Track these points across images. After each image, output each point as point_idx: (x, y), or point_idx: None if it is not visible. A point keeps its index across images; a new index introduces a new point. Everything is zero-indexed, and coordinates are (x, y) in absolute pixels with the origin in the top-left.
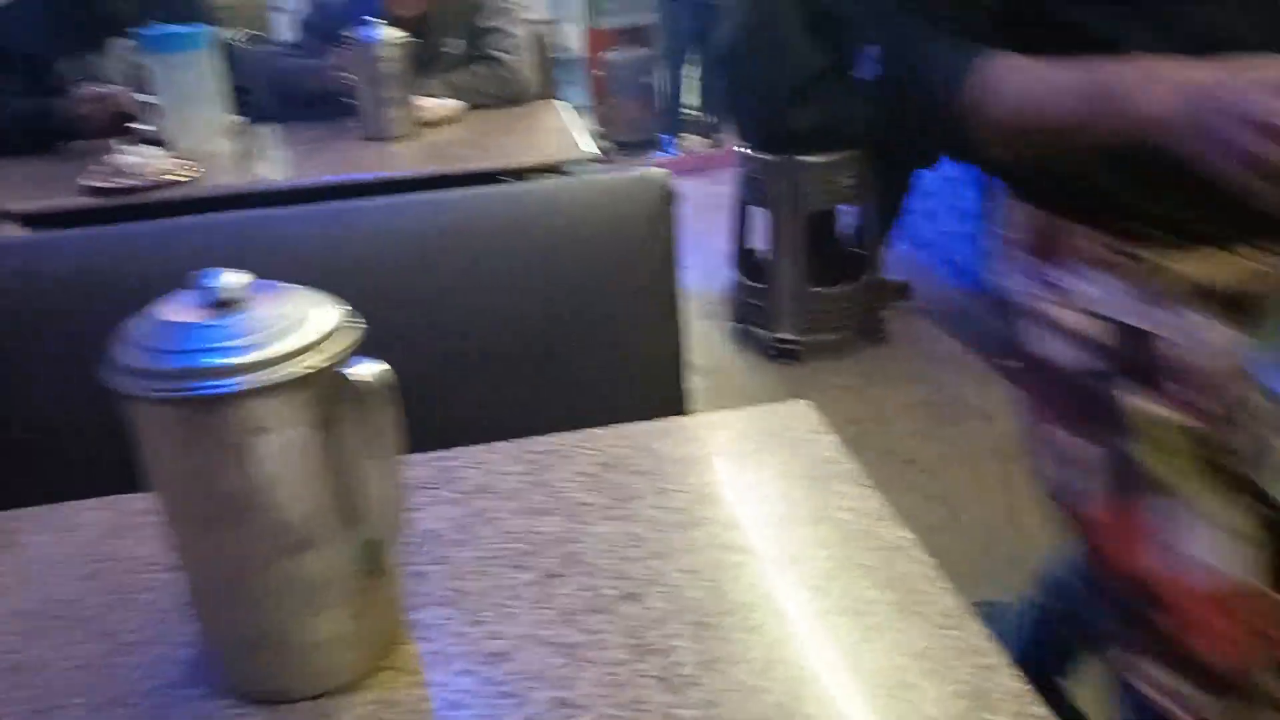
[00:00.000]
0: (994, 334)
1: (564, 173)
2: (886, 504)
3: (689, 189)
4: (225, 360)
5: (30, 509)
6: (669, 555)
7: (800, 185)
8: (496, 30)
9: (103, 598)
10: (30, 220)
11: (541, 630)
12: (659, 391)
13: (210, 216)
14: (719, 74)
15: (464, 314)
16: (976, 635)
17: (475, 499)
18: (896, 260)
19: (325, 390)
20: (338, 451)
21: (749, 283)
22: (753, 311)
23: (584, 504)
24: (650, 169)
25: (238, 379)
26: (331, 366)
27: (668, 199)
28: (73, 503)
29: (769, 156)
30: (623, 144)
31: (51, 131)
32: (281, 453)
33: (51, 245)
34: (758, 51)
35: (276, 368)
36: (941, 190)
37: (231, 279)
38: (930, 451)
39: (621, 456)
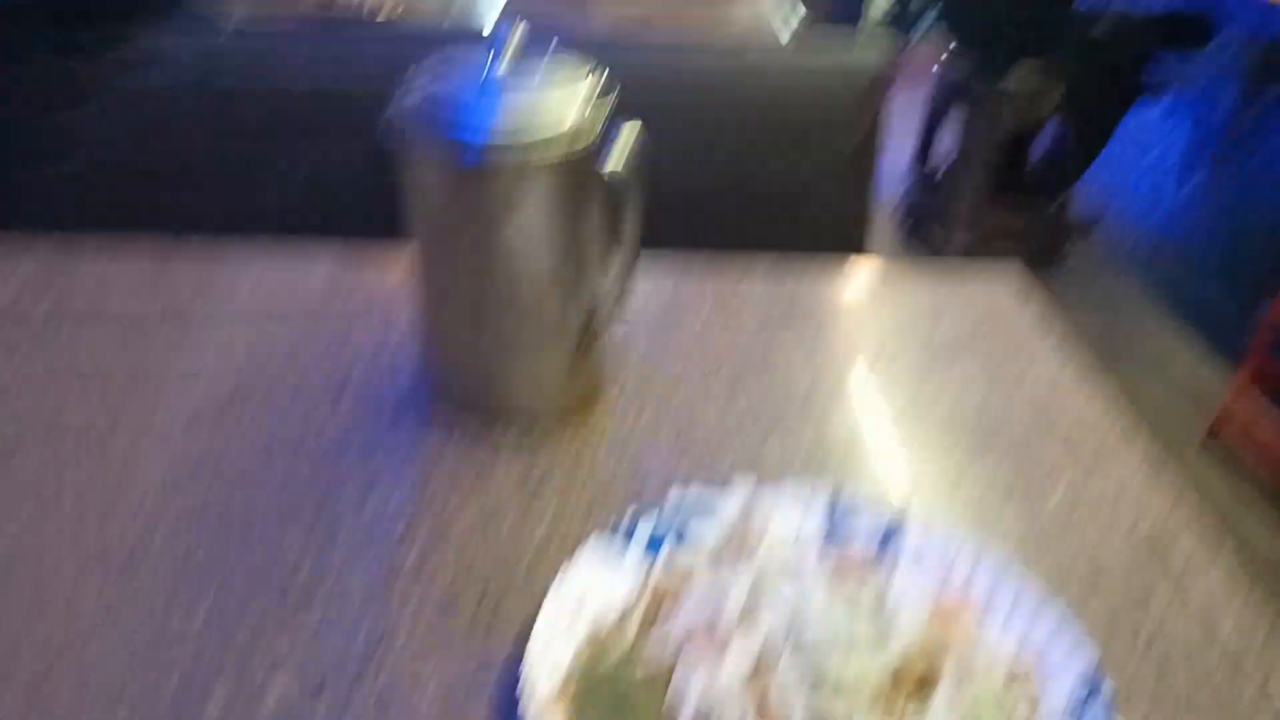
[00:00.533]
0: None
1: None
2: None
3: None
4: (495, 139)
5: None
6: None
7: (1003, 101)
8: None
9: (335, 323)
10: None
11: (727, 420)
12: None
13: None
14: None
15: (685, 148)
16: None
17: (671, 301)
18: (1087, 196)
19: (578, 171)
20: (582, 224)
21: (923, 192)
22: (922, 222)
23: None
24: (863, 54)
25: (502, 156)
26: (586, 153)
27: (881, 82)
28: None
29: (981, 57)
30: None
31: None
32: (534, 219)
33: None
34: None
35: (536, 149)
36: (1146, 130)
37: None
38: None
39: (809, 292)
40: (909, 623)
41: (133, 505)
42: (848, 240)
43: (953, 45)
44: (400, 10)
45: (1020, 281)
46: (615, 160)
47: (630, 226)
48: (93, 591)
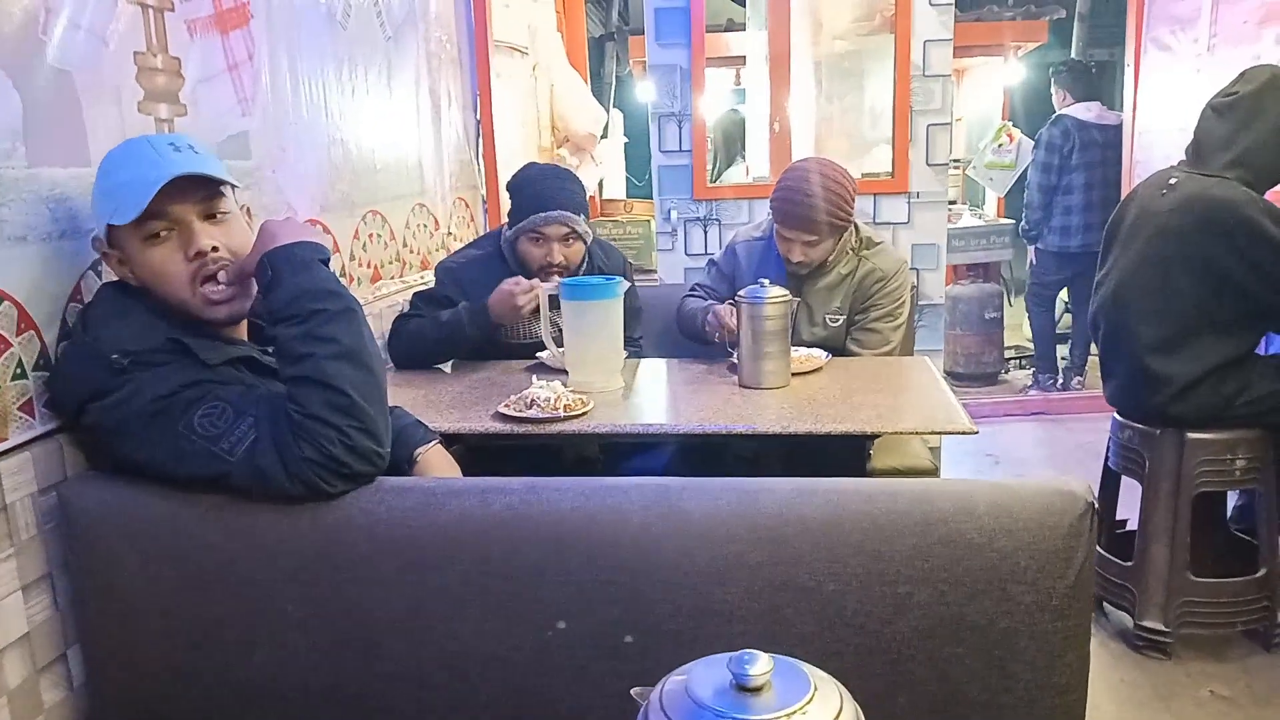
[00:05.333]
0: None
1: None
2: None
3: (1041, 432)
4: None
5: None
6: None
7: (1184, 463)
8: (887, 313)
9: None
10: (448, 438)
11: None
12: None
13: (615, 482)
14: (1094, 330)
15: (847, 607)
16: None
17: None
18: None
19: None
20: None
21: (1111, 557)
22: (1113, 590)
23: None
24: (1070, 481)
25: None
26: None
27: (1088, 514)
28: None
29: (1147, 426)
30: (958, 375)
31: (460, 339)
32: None
33: (493, 489)
34: (1135, 310)
35: None
36: None
37: (760, 666)
38: None
39: None
40: None
41: None
42: (1068, 691)
43: (1121, 408)
44: (591, 407)
45: None
46: None
47: None
48: None
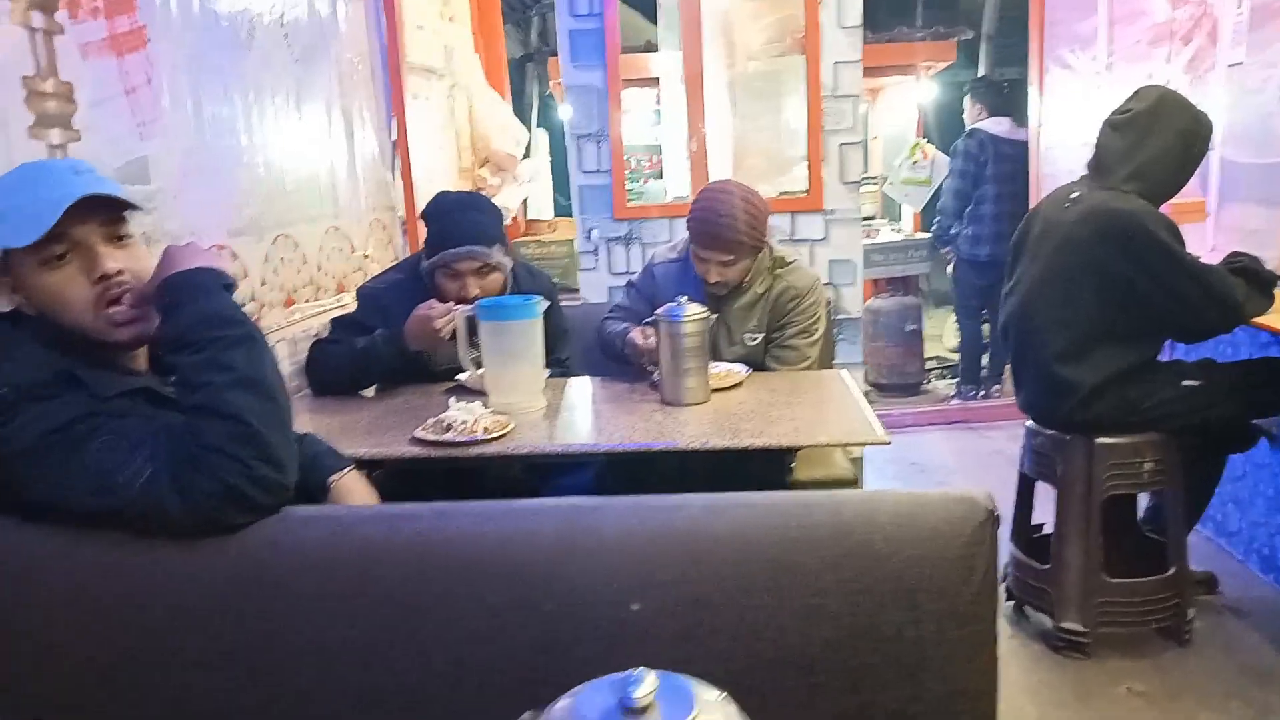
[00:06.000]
0: None
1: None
2: None
3: (962, 440)
4: None
5: None
6: None
7: (1095, 467)
8: (802, 329)
9: None
10: (361, 463)
11: None
12: None
13: (526, 504)
14: (1004, 338)
15: (759, 621)
16: None
17: None
18: (1199, 545)
19: None
20: None
21: (1029, 560)
22: (1033, 593)
23: None
24: (971, 490)
25: None
26: None
27: (989, 521)
28: None
29: (1059, 433)
30: (882, 386)
31: (376, 366)
32: None
33: (401, 517)
34: (1043, 320)
35: None
36: (1251, 475)
37: (645, 687)
38: None
39: None
40: None
41: None
42: (978, 699)
43: (1033, 415)
44: (511, 428)
45: None
46: None
47: None
48: None
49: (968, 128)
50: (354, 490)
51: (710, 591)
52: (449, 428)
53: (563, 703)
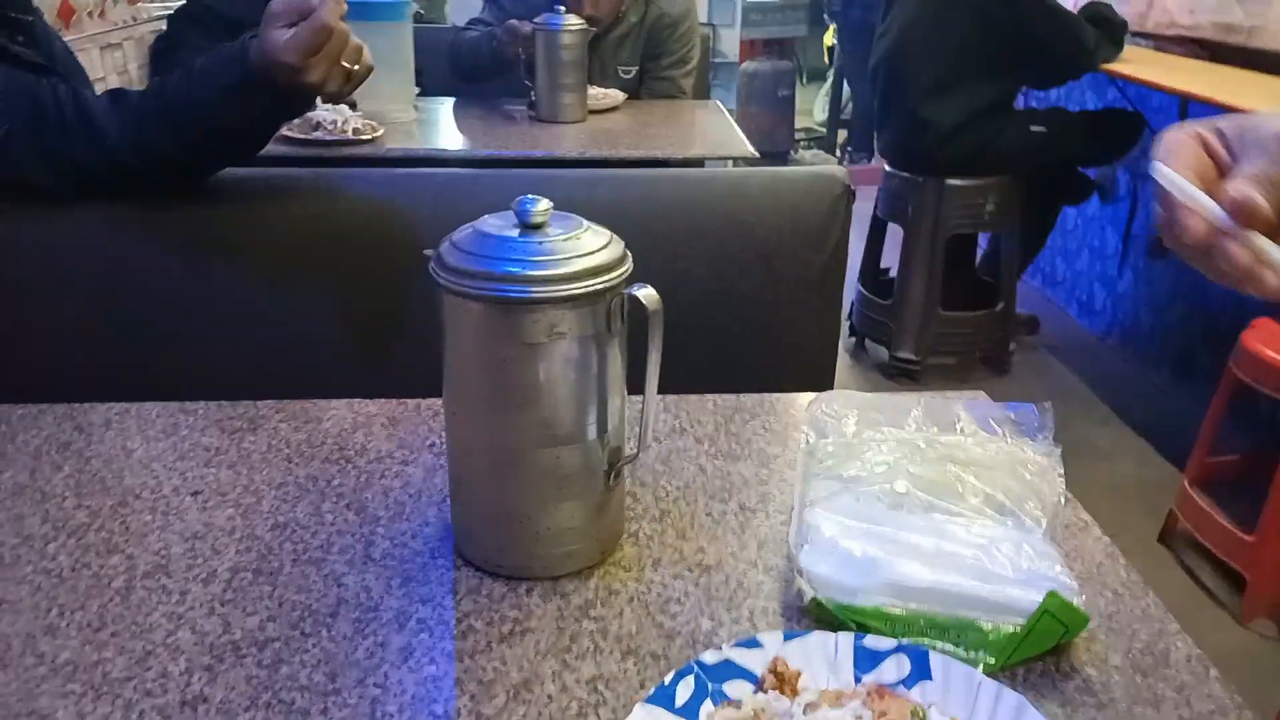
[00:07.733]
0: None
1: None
2: None
3: None
4: (531, 271)
5: (277, 400)
6: None
7: (942, 206)
8: (678, 59)
9: (352, 479)
10: None
11: (743, 551)
12: (812, 376)
13: (432, 171)
14: (873, 84)
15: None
16: None
17: (673, 439)
18: (1027, 294)
19: (608, 308)
20: (606, 365)
21: (874, 298)
22: (874, 327)
23: (773, 454)
24: (830, 167)
25: (539, 288)
26: (619, 286)
27: (845, 195)
28: (314, 400)
29: (912, 175)
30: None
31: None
32: (564, 357)
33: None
34: (911, 57)
35: (573, 283)
36: (1081, 228)
37: (541, 205)
38: None
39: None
40: None
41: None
42: (821, 354)
43: (891, 158)
44: (381, 133)
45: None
46: (639, 301)
47: (651, 367)
48: None
49: None
50: None
51: None
52: (317, 125)
53: (465, 228)
